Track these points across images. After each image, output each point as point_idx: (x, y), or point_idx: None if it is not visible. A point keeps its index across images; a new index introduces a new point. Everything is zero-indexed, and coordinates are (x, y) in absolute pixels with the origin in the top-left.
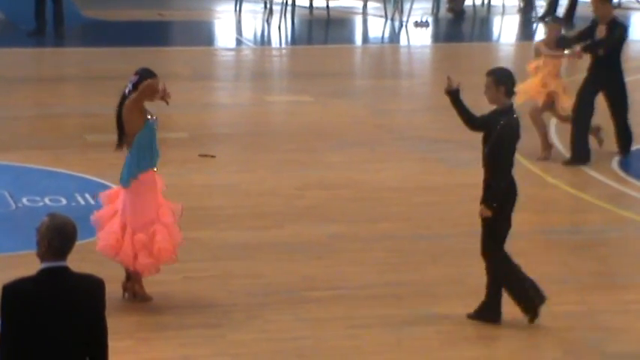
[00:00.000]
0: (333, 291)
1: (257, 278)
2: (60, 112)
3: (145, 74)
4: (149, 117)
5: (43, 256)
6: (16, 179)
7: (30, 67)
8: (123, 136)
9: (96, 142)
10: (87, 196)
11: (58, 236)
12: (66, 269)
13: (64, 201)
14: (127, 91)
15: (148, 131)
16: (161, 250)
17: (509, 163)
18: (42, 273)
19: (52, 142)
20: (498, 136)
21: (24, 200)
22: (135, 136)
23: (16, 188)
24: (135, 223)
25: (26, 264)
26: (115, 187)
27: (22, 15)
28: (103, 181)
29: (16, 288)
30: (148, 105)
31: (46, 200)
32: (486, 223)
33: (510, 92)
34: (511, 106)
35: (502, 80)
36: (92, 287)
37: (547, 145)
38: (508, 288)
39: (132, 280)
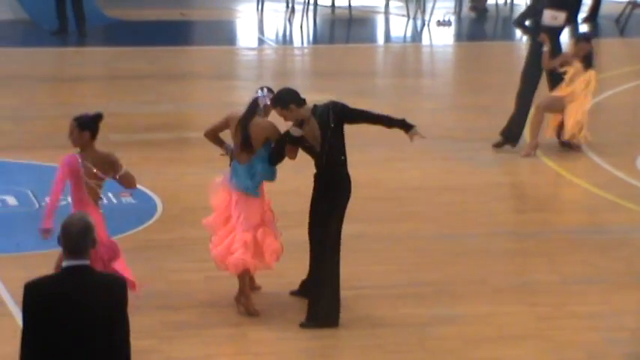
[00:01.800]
0: (355, 290)
1: (279, 277)
2: (83, 111)
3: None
4: None
5: (64, 255)
6: (40, 179)
7: (53, 67)
8: (248, 146)
9: (119, 142)
10: (109, 194)
11: (63, 235)
12: (87, 268)
13: None
14: (262, 104)
15: (269, 146)
16: (271, 251)
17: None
18: (63, 271)
19: None
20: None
21: (47, 199)
22: (259, 150)
23: (39, 187)
24: (244, 225)
25: (49, 263)
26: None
27: (46, 15)
28: None
29: (38, 286)
30: None
31: (69, 199)
32: (319, 217)
33: (300, 103)
34: (305, 118)
35: (289, 100)
36: (113, 286)
37: (535, 143)
38: (326, 285)
39: (240, 292)
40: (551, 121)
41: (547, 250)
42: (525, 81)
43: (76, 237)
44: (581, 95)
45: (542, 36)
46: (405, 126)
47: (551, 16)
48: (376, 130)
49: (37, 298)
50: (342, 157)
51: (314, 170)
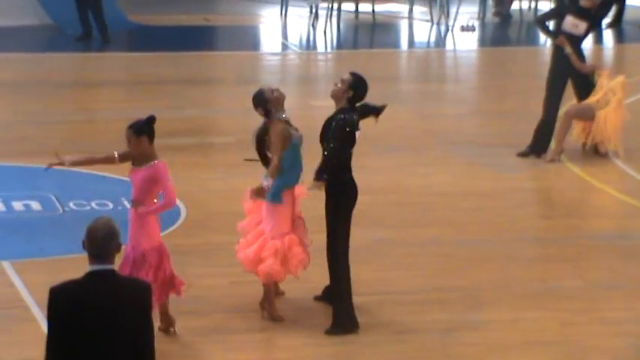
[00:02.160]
0: (379, 296)
1: (303, 283)
2: (106, 116)
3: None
4: (293, 133)
5: (89, 260)
6: (63, 183)
7: (76, 72)
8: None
9: None
10: None
11: (87, 240)
12: (112, 272)
13: (110, 205)
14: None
15: (292, 151)
16: (297, 261)
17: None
18: (88, 276)
19: (98, 147)
20: (335, 127)
21: (71, 204)
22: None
23: (63, 192)
24: (273, 233)
25: (74, 267)
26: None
27: (70, 21)
28: None
29: (63, 291)
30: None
31: (93, 204)
32: (327, 222)
33: (356, 98)
34: (349, 108)
35: (355, 87)
36: (138, 291)
37: (560, 149)
38: (344, 290)
39: (264, 298)
40: (577, 127)
41: (572, 255)
42: (550, 88)
43: (102, 241)
44: (612, 103)
45: (561, 38)
46: (321, 175)
47: (572, 24)
48: (400, 135)
49: (62, 302)
50: (346, 164)
51: None
